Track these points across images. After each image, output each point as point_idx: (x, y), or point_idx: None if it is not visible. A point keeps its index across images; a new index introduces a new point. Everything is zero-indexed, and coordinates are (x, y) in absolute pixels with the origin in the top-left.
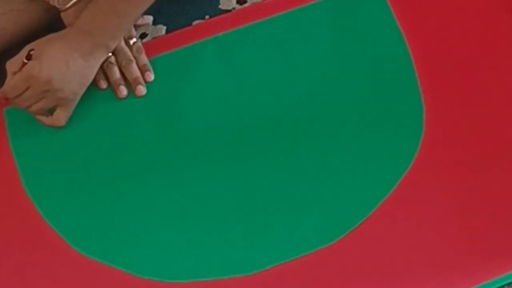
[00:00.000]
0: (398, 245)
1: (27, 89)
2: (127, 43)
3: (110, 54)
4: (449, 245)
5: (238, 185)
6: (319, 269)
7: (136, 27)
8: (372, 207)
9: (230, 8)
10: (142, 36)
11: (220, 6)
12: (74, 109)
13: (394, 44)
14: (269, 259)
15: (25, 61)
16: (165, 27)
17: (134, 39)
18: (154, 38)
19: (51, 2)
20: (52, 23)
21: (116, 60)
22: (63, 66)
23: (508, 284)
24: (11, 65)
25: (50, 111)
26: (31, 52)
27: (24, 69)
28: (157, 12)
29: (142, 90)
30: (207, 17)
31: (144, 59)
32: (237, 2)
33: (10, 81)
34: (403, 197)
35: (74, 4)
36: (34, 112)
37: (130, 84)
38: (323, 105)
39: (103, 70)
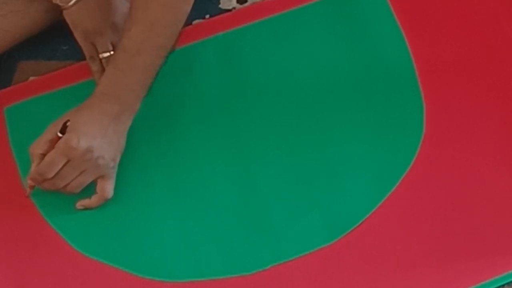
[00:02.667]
0: (398, 244)
1: (64, 165)
2: None
3: (112, 52)
4: (449, 244)
5: (238, 185)
6: (319, 268)
7: None
8: (372, 206)
9: (230, 7)
10: None
11: (220, 6)
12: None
13: (395, 43)
14: (269, 259)
15: (60, 135)
16: None
17: None
18: None
19: (53, 1)
20: (52, 25)
21: None
22: (99, 133)
23: (508, 284)
24: (37, 147)
25: (80, 196)
26: (67, 124)
27: (60, 144)
28: None
29: None
30: (207, 16)
31: None
32: (238, 2)
33: (42, 162)
34: (403, 196)
35: (77, 1)
36: (73, 190)
37: None
38: (323, 104)
39: (104, 69)
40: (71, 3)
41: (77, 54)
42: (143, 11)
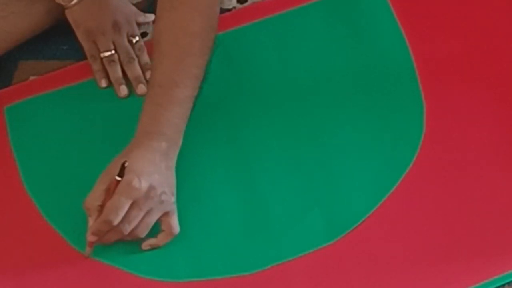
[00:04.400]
0: (399, 244)
1: (129, 208)
2: (129, 41)
3: (113, 51)
4: (449, 244)
5: (239, 184)
6: (320, 268)
7: (139, 25)
8: (372, 206)
9: (230, 7)
10: (143, 35)
11: (220, 5)
12: (75, 107)
13: (395, 43)
14: (270, 259)
15: (118, 178)
16: None
17: (137, 38)
18: None
19: (56, 0)
20: (53, 25)
21: (119, 58)
22: (155, 170)
23: (508, 283)
24: (93, 199)
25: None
26: (126, 164)
27: (121, 187)
28: None
29: (143, 88)
30: None
31: (146, 58)
32: (238, 1)
33: (106, 210)
34: (403, 196)
35: (79, 1)
36: (140, 233)
37: (131, 83)
38: (323, 104)
39: (105, 68)
40: (74, 2)
41: (77, 54)
42: (172, 43)
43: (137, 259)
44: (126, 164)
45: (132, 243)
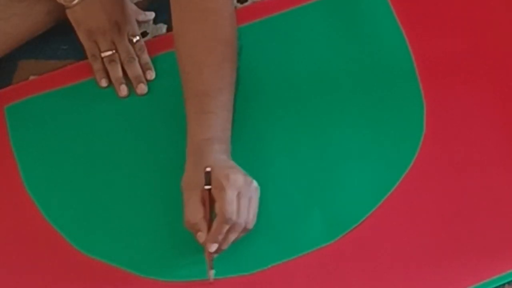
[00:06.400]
0: (398, 244)
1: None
2: (130, 41)
3: (114, 51)
4: (449, 243)
5: None
6: (320, 268)
7: (139, 24)
8: (372, 206)
9: None
10: (143, 34)
11: None
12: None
13: (395, 43)
14: (270, 258)
15: (208, 187)
16: (165, 26)
17: (138, 37)
18: (154, 36)
19: (57, 0)
20: (54, 26)
21: (119, 57)
22: (235, 168)
23: (509, 283)
24: (195, 214)
25: None
26: (207, 169)
27: (221, 183)
28: (157, 11)
29: (143, 88)
30: None
31: (146, 57)
32: (238, 1)
33: (223, 205)
34: (403, 196)
35: (81, 0)
36: (252, 223)
37: (131, 82)
38: (323, 103)
39: (105, 68)
40: (75, 2)
41: (77, 54)
42: (209, 53)
43: (137, 259)
44: (208, 169)
45: (132, 242)
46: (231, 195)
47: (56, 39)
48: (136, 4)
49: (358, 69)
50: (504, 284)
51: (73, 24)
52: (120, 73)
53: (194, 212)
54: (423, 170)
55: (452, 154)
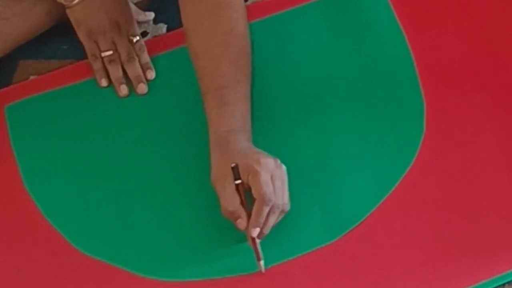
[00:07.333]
0: (399, 243)
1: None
2: (130, 41)
3: (114, 51)
4: (449, 243)
5: None
6: (320, 267)
7: (139, 24)
8: (372, 205)
9: None
10: (143, 34)
11: None
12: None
13: (395, 43)
14: (270, 258)
15: (238, 181)
16: (165, 26)
17: (138, 37)
18: (154, 36)
19: (57, 0)
20: (54, 26)
21: (119, 57)
22: (262, 153)
23: (509, 283)
24: (232, 201)
25: None
26: (233, 165)
27: (254, 167)
28: (157, 11)
29: (143, 88)
30: None
31: (146, 57)
32: None
33: (260, 187)
34: (403, 196)
35: (81, 0)
36: (287, 205)
37: (131, 82)
38: (324, 103)
39: (105, 68)
40: (75, 1)
41: (78, 53)
42: (226, 47)
43: (137, 259)
44: (233, 165)
45: (132, 242)
46: (265, 177)
47: (56, 39)
48: (136, 4)
49: (358, 69)
50: (504, 284)
51: (73, 24)
52: (120, 73)
53: (231, 199)
54: (423, 170)
55: (452, 155)
